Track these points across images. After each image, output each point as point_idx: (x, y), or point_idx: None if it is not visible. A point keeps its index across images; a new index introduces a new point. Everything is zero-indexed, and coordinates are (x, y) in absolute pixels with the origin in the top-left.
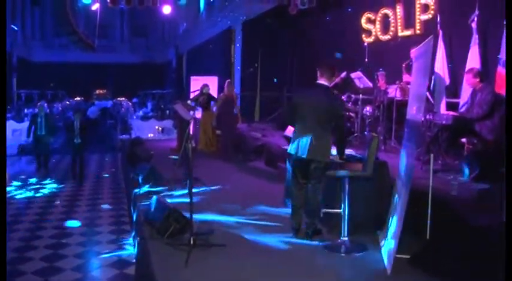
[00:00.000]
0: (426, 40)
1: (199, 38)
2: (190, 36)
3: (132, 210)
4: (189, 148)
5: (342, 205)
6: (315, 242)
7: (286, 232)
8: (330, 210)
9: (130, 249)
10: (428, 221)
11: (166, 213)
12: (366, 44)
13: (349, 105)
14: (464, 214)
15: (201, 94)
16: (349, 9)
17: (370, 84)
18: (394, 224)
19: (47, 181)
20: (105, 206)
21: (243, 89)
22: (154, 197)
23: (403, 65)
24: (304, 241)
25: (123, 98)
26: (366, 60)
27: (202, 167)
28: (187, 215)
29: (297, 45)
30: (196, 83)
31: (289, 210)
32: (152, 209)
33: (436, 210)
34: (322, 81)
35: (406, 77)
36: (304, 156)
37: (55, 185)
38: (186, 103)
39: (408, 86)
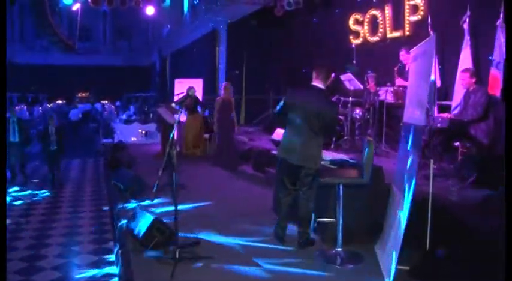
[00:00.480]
0: (427, 39)
1: (183, 41)
2: (174, 38)
3: (115, 219)
4: (173, 155)
5: (336, 214)
6: (308, 253)
7: (276, 243)
8: (324, 219)
9: (112, 261)
10: (429, 230)
11: (149, 224)
12: (353, 45)
13: (338, 107)
14: (466, 222)
15: (187, 97)
16: (337, 11)
17: (361, 87)
18: (393, 234)
19: (22, 190)
20: (86, 214)
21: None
22: (137, 206)
23: (395, 69)
24: (296, 252)
25: (106, 101)
26: (354, 62)
27: (188, 173)
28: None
29: (284, 47)
30: (180, 86)
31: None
32: (135, 219)
33: (436, 217)
34: (316, 83)
35: (399, 81)
36: (293, 162)
37: (31, 193)
38: (170, 106)
39: (401, 89)
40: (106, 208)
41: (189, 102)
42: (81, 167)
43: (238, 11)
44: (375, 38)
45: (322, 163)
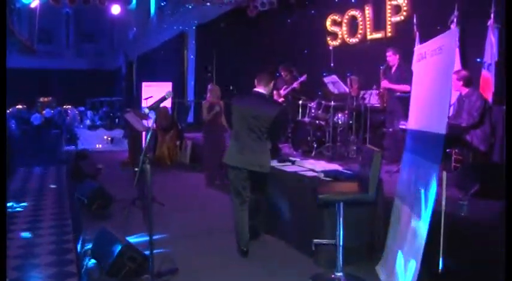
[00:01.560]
0: (444, 34)
1: (150, 44)
2: (141, 41)
3: (77, 241)
4: (147, 170)
5: (336, 234)
6: (299, 277)
7: (268, 263)
8: (322, 241)
9: None
10: (441, 250)
11: (118, 250)
12: (331, 47)
13: (319, 112)
14: (479, 239)
15: (163, 99)
16: (313, 11)
17: (347, 90)
18: (407, 249)
19: None
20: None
21: (196, 96)
22: (102, 227)
23: (381, 70)
24: (284, 274)
25: (69, 106)
26: (332, 64)
27: (159, 183)
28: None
29: (257, 50)
30: (148, 90)
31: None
32: (100, 244)
33: (447, 235)
34: (259, 89)
35: (384, 83)
36: (239, 166)
37: None
38: (138, 112)
39: (386, 92)
40: (68, 222)
41: (164, 122)
42: (42, 176)
43: (208, 13)
44: (354, 40)
45: (317, 175)
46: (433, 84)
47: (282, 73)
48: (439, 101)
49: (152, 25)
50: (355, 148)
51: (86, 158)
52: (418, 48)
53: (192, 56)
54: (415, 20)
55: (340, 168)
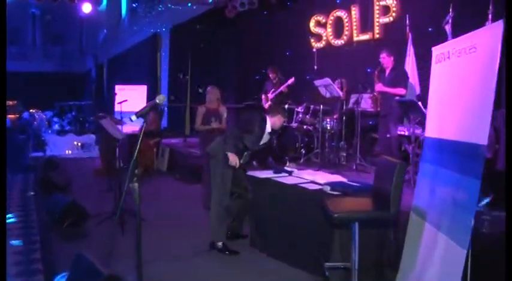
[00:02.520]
0: (482, 29)
1: (121, 46)
2: (112, 43)
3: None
4: (135, 189)
5: (351, 256)
6: None
7: None
8: (335, 264)
9: None
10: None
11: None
12: (315, 49)
13: (307, 117)
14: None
15: (154, 105)
16: (295, 12)
17: (340, 93)
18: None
19: None
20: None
21: (170, 100)
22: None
23: (375, 73)
24: None
25: (36, 110)
26: (315, 67)
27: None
28: None
29: (235, 52)
30: (122, 93)
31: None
32: (78, 277)
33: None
34: None
35: (379, 87)
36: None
37: None
38: (112, 117)
39: (380, 95)
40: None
41: (154, 127)
42: (8, 185)
43: (183, 14)
44: (340, 41)
45: (322, 188)
46: (466, 88)
47: (270, 75)
48: (478, 108)
49: (124, 27)
50: (344, 154)
51: (56, 167)
52: (438, 48)
53: (165, 59)
54: (407, 21)
55: (344, 179)
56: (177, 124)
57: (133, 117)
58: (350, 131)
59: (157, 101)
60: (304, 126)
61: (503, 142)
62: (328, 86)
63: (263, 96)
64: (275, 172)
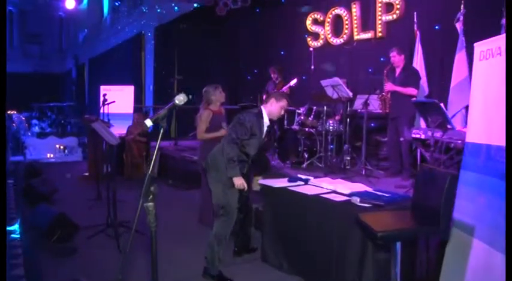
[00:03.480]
0: None
1: (103, 46)
2: (93, 43)
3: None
4: (151, 209)
5: (393, 275)
6: None
7: None
8: None
9: None
10: None
11: None
12: (311, 48)
13: (310, 119)
14: None
15: (172, 109)
16: (290, 9)
17: (350, 94)
18: None
19: None
20: None
21: (156, 101)
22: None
23: (385, 72)
24: None
25: (14, 112)
26: (312, 67)
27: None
28: None
29: (224, 52)
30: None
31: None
32: None
33: None
34: None
35: (389, 86)
36: None
37: None
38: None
39: (389, 96)
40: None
41: (141, 128)
42: None
43: (169, 13)
44: (339, 40)
45: (350, 200)
46: None
47: (272, 75)
48: None
49: (106, 26)
50: (348, 157)
51: (39, 174)
52: (483, 44)
53: (150, 59)
54: (415, 19)
55: (368, 189)
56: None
57: (149, 123)
58: (354, 133)
59: (177, 102)
60: (306, 129)
61: None
62: (336, 86)
63: (264, 97)
64: (290, 181)
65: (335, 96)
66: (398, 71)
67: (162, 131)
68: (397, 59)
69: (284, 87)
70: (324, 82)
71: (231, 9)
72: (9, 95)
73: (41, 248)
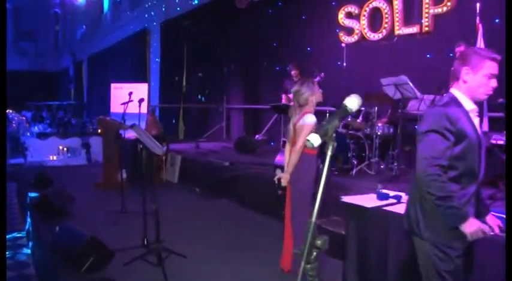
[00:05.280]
0: None
1: (104, 43)
2: (92, 40)
3: None
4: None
5: None
6: None
7: None
8: None
9: None
10: None
11: None
12: (344, 44)
13: (359, 120)
14: None
15: (343, 116)
16: (317, 1)
17: (419, 95)
18: None
19: None
20: None
21: (163, 100)
22: None
23: (452, 69)
24: None
25: (10, 110)
26: (345, 64)
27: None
28: None
29: (243, 48)
30: (118, 92)
31: None
32: None
33: None
34: None
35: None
36: None
37: None
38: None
39: None
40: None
41: (155, 132)
42: None
43: (176, 7)
44: (377, 36)
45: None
46: None
47: (292, 72)
48: None
49: (106, 22)
50: (395, 164)
51: (50, 184)
52: None
53: (155, 56)
54: (478, 10)
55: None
56: (169, 127)
57: (316, 139)
58: (403, 137)
59: (349, 106)
60: (351, 132)
61: None
62: (402, 85)
63: (283, 96)
64: (380, 198)
65: (397, 96)
66: None
67: (330, 149)
68: None
69: None
70: (386, 80)
71: (251, 2)
72: None
73: (67, 278)
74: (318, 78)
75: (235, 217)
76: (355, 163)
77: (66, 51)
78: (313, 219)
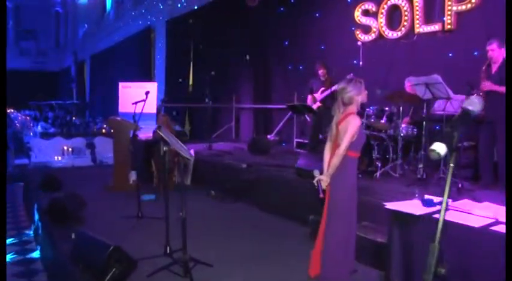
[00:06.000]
0: None
1: (106, 42)
2: (95, 39)
3: None
4: None
5: None
6: None
7: None
8: None
9: None
10: None
11: None
12: (360, 43)
13: (383, 121)
14: None
15: (467, 119)
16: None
17: (452, 95)
18: None
19: None
20: None
21: (169, 100)
22: None
23: (483, 69)
24: None
25: (12, 110)
26: (361, 63)
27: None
28: None
29: (253, 47)
30: (126, 91)
31: None
32: None
33: None
34: None
35: (488, 85)
36: None
37: None
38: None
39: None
40: None
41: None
42: None
43: (182, 4)
44: (396, 34)
45: None
46: None
47: (319, 72)
48: None
49: (109, 21)
50: (421, 166)
51: (59, 187)
52: None
53: (161, 54)
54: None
55: None
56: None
57: (442, 150)
58: (429, 138)
59: (470, 109)
60: (374, 133)
61: None
62: (434, 85)
63: (309, 96)
64: (425, 205)
65: (427, 96)
66: (495, 67)
67: (453, 160)
68: (496, 53)
69: (337, 85)
70: (414, 80)
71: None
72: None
73: None
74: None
75: (256, 222)
76: (379, 165)
77: (68, 50)
78: (436, 243)
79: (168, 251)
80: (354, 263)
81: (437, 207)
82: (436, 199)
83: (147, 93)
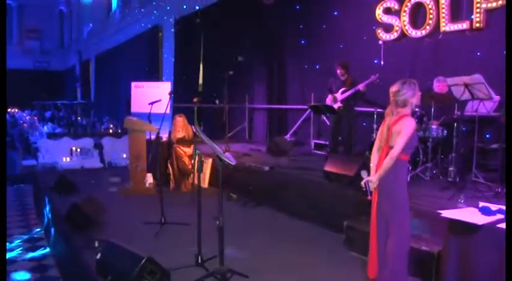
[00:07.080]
0: None
1: (112, 41)
2: (100, 38)
3: None
4: None
5: None
6: None
7: None
8: None
9: None
10: None
11: None
12: (381, 42)
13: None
14: None
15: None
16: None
17: (494, 96)
18: None
19: None
20: None
21: (178, 100)
22: None
23: None
24: None
25: (16, 109)
26: (382, 62)
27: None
28: None
29: (267, 46)
30: (139, 91)
31: None
32: None
33: None
34: None
35: None
36: None
37: None
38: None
39: None
40: None
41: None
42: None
43: (191, 2)
44: (420, 33)
45: None
46: None
47: (338, 71)
48: None
49: (115, 20)
50: (452, 168)
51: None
52: None
53: (169, 54)
54: None
55: None
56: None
57: None
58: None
59: None
60: None
61: None
62: (475, 85)
63: (329, 96)
64: (484, 213)
65: (465, 97)
66: None
67: None
68: None
69: (361, 84)
70: (452, 80)
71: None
72: (8, 92)
73: None
74: (372, 78)
75: (283, 227)
76: (410, 168)
77: (72, 49)
78: None
79: (199, 260)
80: None
81: (498, 216)
82: (493, 207)
83: (170, 93)
